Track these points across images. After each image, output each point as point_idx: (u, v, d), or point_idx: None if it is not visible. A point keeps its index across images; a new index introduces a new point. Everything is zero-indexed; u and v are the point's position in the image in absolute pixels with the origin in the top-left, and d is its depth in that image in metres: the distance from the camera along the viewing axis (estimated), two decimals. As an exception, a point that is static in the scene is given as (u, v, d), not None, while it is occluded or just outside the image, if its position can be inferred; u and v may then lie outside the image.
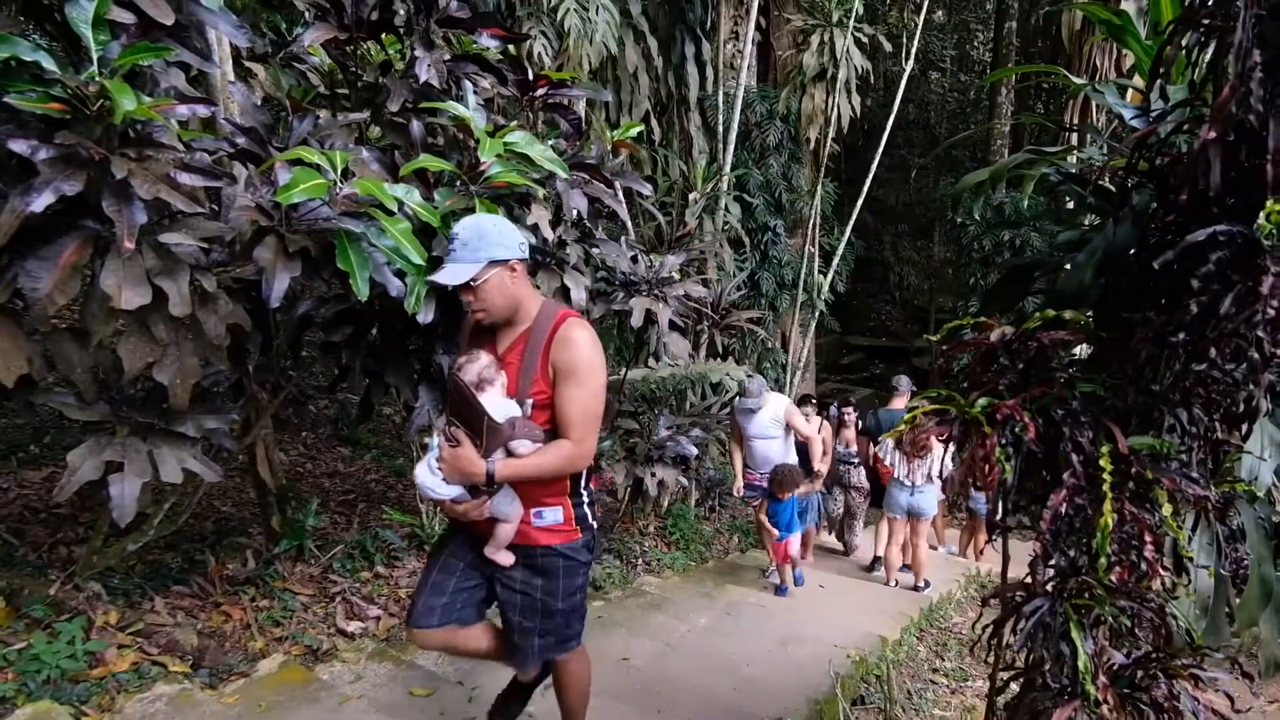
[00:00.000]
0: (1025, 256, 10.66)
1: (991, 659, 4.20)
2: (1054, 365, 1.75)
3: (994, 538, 1.94)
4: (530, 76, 3.76)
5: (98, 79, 2.25)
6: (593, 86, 4.15)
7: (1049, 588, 1.72)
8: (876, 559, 6.97)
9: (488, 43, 3.57)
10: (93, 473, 2.64)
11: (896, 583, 6.59)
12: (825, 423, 6.83)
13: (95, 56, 2.29)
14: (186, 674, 3.16)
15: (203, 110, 2.64)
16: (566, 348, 2.25)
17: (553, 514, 2.38)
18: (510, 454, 2.25)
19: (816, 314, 9.23)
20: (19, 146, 2.19)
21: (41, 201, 2.14)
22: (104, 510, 2.70)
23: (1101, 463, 1.56)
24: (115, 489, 2.62)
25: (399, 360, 3.29)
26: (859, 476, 7.18)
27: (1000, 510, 1.81)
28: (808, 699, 3.76)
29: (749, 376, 5.81)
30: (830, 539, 7.98)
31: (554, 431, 2.30)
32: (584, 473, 2.43)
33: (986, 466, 1.65)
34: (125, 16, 2.45)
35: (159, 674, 3.08)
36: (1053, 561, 1.78)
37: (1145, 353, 1.59)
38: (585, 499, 2.47)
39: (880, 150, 9.29)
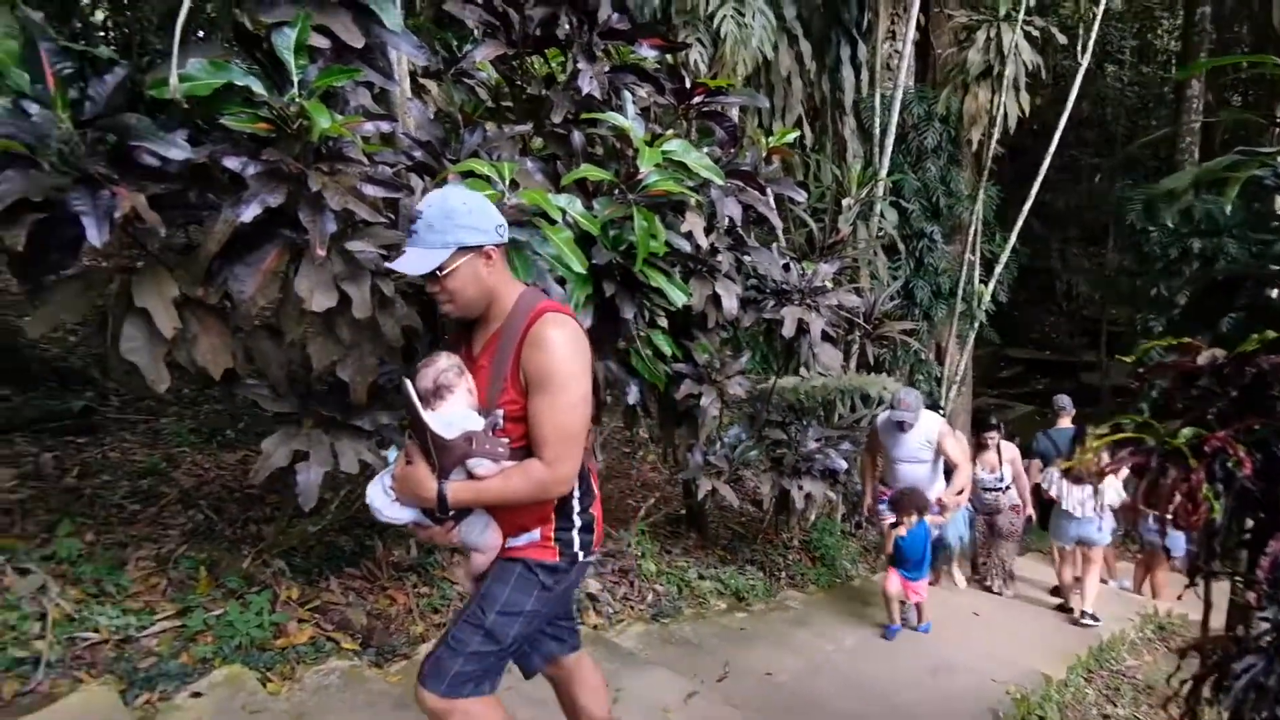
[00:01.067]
0: (1223, 267, 9.66)
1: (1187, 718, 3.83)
2: (1274, 393, 1.56)
3: (1195, 583, 1.75)
4: (687, 85, 3.78)
5: (298, 100, 2.46)
6: (748, 93, 4.13)
7: (1264, 643, 1.53)
8: (1055, 589, 6.86)
9: (646, 53, 3.62)
10: (283, 460, 2.89)
11: (1083, 613, 6.17)
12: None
13: (295, 79, 2.50)
14: (356, 651, 3.38)
15: (385, 126, 2.83)
16: (538, 350, 1.89)
17: (530, 536, 2.06)
18: (471, 475, 1.93)
19: (976, 325, 8.74)
20: (231, 163, 2.43)
21: (250, 212, 2.36)
22: (290, 494, 2.94)
23: (1335, 506, 1.38)
24: (301, 476, 2.85)
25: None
26: (1011, 498, 6.50)
27: (1205, 553, 1.63)
28: (964, 735, 3.57)
29: (904, 389, 5.24)
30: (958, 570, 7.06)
31: (530, 449, 1.95)
32: (578, 490, 2.07)
33: (1190, 505, 1.48)
34: (321, 42, 2.67)
35: (332, 649, 3.32)
36: (1267, 614, 1.58)
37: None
38: (576, 524, 2.08)
39: (1051, 151, 8.68)
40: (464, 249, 1.92)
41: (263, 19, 2.58)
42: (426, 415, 1.88)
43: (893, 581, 5.02)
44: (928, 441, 5.22)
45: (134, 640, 2.99)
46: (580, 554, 2.10)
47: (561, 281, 2.84)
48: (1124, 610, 6.66)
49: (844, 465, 5.36)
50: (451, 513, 1.95)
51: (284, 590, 3.49)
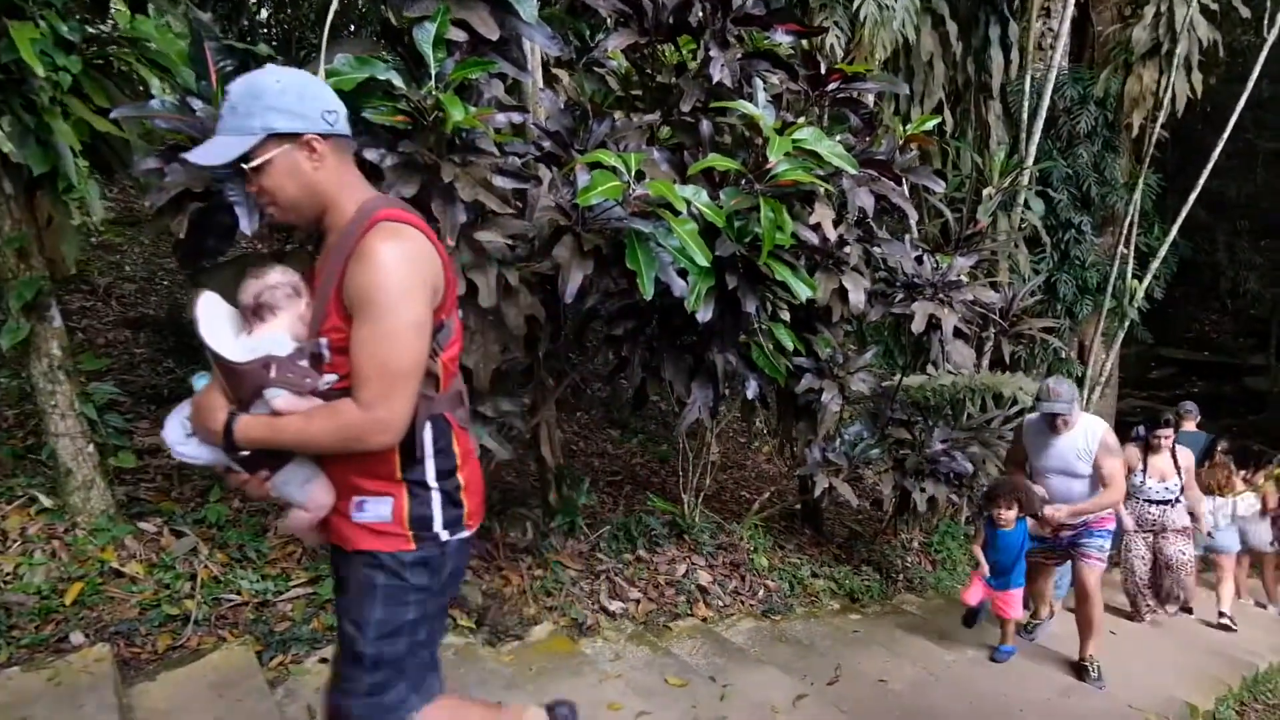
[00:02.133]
0: None
1: None
2: None
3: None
4: (822, 70, 3.63)
5: (434, 93, 2.51)
6: (886, 78, 3.94)
7: None
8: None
9: (781, 38, 3.50)
10: (410, 442, 2.99)
11: (1220, 613, 6.23)
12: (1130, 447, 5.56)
13: (434, 72, 2.55)
14: (471, 629, 3.49)
15: (517, 117, 2.86)
16: (361, 266, 1.53)
17: (377, 507, 1.65)
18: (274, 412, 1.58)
19: (1126, 322, 8.09)
20: (371, 155, 2.51)
21: (385, 203, 2.43)
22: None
23: None
24: (428, 459, 2.94)
25: (675, 356, 3.36)
26: (1181, 515, 5.56)
27: None
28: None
29: (1056, 377, 4.32)
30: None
31: None
32: (431, 449, 1.68)
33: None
34: (458, 35, 2.71)
35: (449, 625, 3.43)
36: None
37: None
38: (434, 495, 1.69)
39: (1225, 136, 7.88)
40: (276, 136, 1.56)
41: (406, 14, 2.64)
42: (207, 334, 1.59)
43: (973, 590, 4.29)
44: (1086, 449, 4.18)
45: (271, 604, 3.19)
46: (445, 533, 1.70)
47: (683, 273, 2.80)
48: (1284, 641, 6.06)
49: (970, 468, 5.07)
50: (245, 453, 1.61)
51: (408, 565, 3.63)
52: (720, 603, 4.42)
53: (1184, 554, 5.56)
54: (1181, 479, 5.52)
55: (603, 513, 4.86)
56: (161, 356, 5.25)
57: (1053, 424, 4.22)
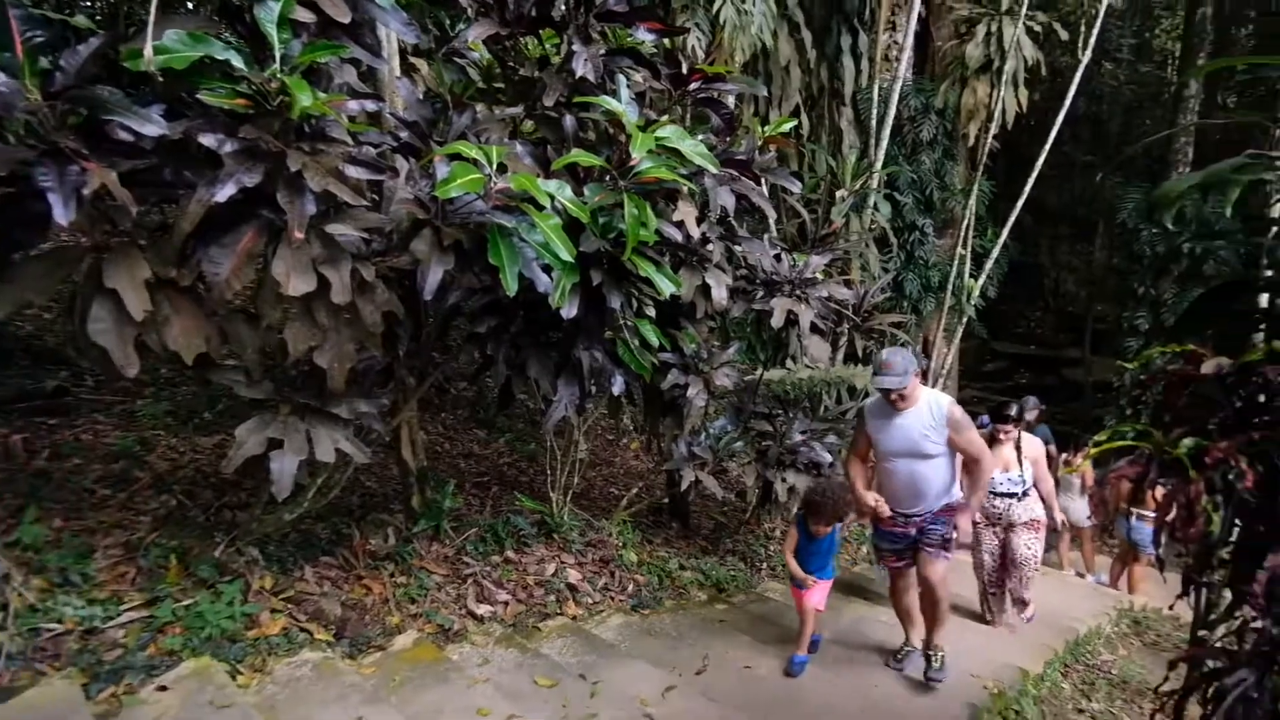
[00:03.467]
0: (1225, 273, 9.69)
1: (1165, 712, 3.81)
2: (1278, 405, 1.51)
3: (1188, 594, 1.70)
4: (684, 70, 3.69)
5: (279, 76, 2.36)
6: (746, 81, 4.04)
7: (1255, 658, 1.49)
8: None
9: (643, 36, 3.52)
10: (257, 447, 2.80)
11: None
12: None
13: (278, 54, 2.40)
14: (330, 642, 3.32)
15: (371, 105, 2.73)
16: None
17: None
18: None
19: (964, 319, 8.73)
20: (208, 140, 2.33)
21: (225, 192, 2.26)
22: (265, 481, 2.86)
23: (1342, 527, 1.33)
24: (275, 464, 2.77)
25: (540, 353, 3.32)
26: (1030, 509, 5.30)
27: (1200, 565, 1.58)
28: (943, 733, 3.54)
29: (889, 349, 3.81)
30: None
31: None
32: None
33: (1188, 516, 1.44)
34: (306, 16, 2.56)
35: (305, 640, 3.25)
36: (1262, 627, 1.54)
37: None
38: None
39: (1047, 147, 8.64)
40: None
41: (245, -10, 2.47)
42: None
43: (818, 594, 4.13)
44: (934, 425, 3.78)
45: (99, 631, 2.91)
46: None
47: (548, 269, 2.76)
48: (1100, 605, 6.68)
49: (829, 458, 5.31)
50: None
51: (257, 579, 3.41)
52: (590, 600, 4.41)
53: (1029, 549, 5.29)
54: (1026, 470, 5.30)
55: (469, 515, 4.75)
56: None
57: (889, 399, 3.78)
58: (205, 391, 5.33)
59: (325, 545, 3.91)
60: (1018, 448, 5.34)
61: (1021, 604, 5.54)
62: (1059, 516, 5.71)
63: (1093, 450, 1.60)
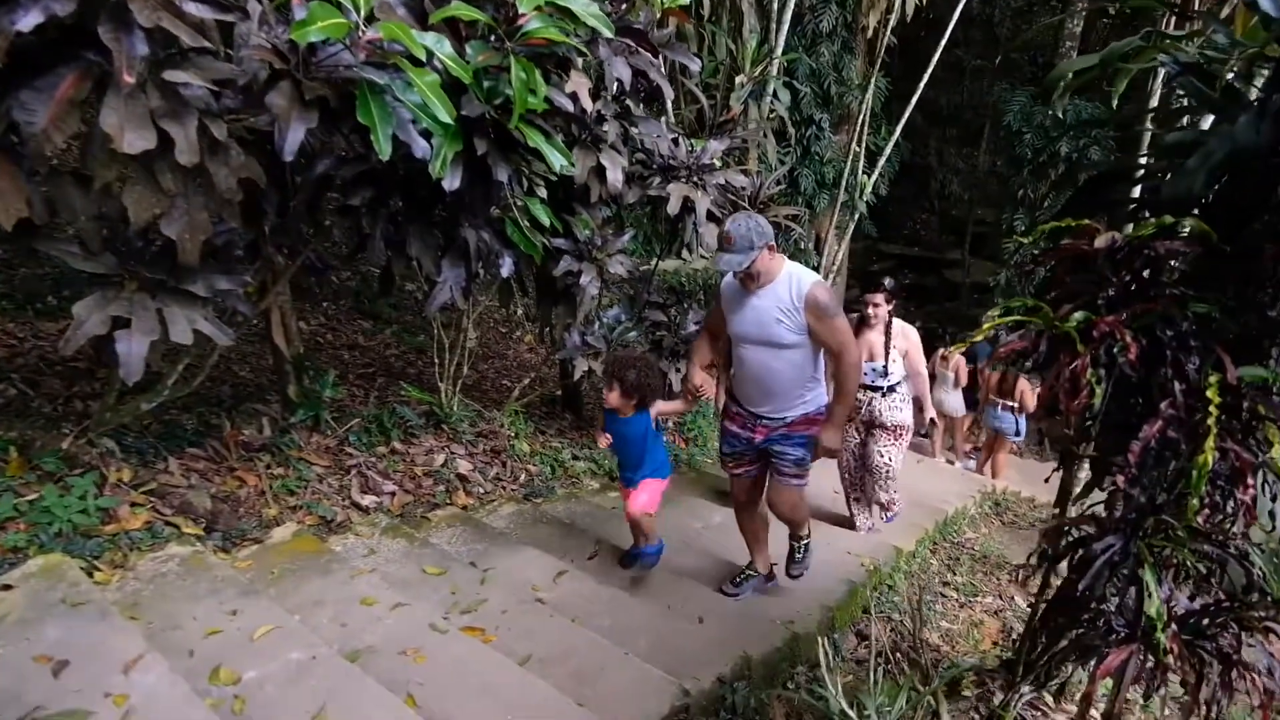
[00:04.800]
0: (1090, 168, 10.14)
1: (1026, 587, 4.08)
2: (1163, 280, 1.53)
3: (1061, 467, 1.77)
4: (577, -76, 3.38)
5: (92, -118, 1.99)
6: (644, -57, 3.76)
7: (1123, 525, 1.56)
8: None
9: (532, -120, 3.18)
10: (99, 327, 2.52)
11: None
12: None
13: None
14: (199, 536, 3.13)
15: (212, -69, 2.36)
16: None
17: None
18: None
19: (856, 216, 8.87)
20: (7, -42, 1.95)
21: (29, 21, 1.92)
22: (116, 367, 2.59)
23: (1209, 393, 1.37)
24: (122, 345, 2.51)
25: (422, 231, 3.09)
26: (894, 409, 4.64)
27: (1078, 437, 1.62)
28: (820, 605, 3.72)
29: (732, 218, 3.04)
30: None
31: None
32: None
33: (1071, 388, 1.45)
34: None
35: (172, 534, 3.05)
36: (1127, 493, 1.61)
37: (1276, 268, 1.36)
38: None
39: (941, 47, 8.66)
40: None
41: None
42: None
43: (640, 498, 3.54)
44: (791, 309, 3.05)
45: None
46: None
47: (427, 135, 2.53)
48: (967, 489, 7.18)
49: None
50: None
51: (114, 473, 3.15)
52: (481, 490, 4.35)
53: (883, 458, 4.69)
54: (895, 361, 4.61)
55: (353, 406, 4.54)
56: None
57: (740, 282, 3.14)
58: (49, 274, 4.83)
59: (192, 437, 3.66)
60: (887, 333, 4.55)
61: (881, 506, 5.07)
62: (930, 414, 5.11)
63: (986, 326, 1.59)
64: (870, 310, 4.52)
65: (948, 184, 18.90)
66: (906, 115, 8.58)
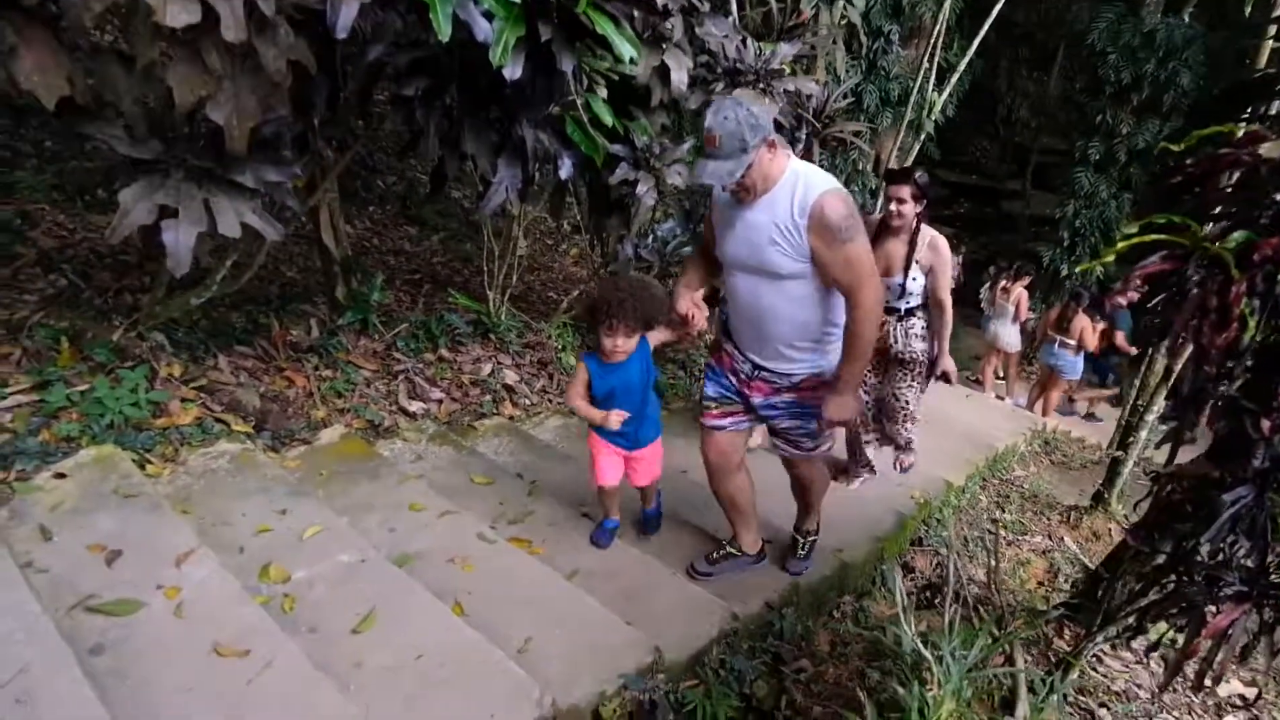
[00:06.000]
0: (1179, 102, 9.46)
1: (1078, 529, 3.91)
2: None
3: (1205, 412, 1.55)
4: None
5: None
6: None
7: (1258, 476, 1.40)
8: None
9: None
10: (146, 215, 2.43)
11: None
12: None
13: None
14: (249, 434, 3.11)
15: None
16: None
17: None
18: None
19: (922, 138, 8.40)
20: None
21: None
22: (163, 259, 2.51)
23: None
24: (169, 236, 2.42)
25: (478, 126, 2.92)
26: (913, 337, 3.66)
27: (1219, 379, 1.42)
28: (869, 535, 3.63)
29: (714, 105, 2.19)
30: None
31: None
32: None
33: (1219, 322, 1.27)
34: None
35: (222, 431, 3.03)
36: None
37: None
38: None
39: (1028, -50, 8.00)
40: None
41: None
42: None
43: (602, 465, 2.89)
44: (788, 226, 2.24)
45: (-18, 414, 2.63)
46: None
47: (489, 17, 2.34)
48: (1017, 426, 6.98)
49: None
50: None
51: (164, 367, 3.13)
52: (527, 401, 4.29)
53: (899, 400, 3.88)
54: (915, 278, 3.53)
55: (400, 311, 4.47)
56: None
57: (733, 195, 2.33)
58: (98, 165, 4.76)
59: (241, 335, 3.62)
60: (912, 241, 3.46)
61: (898, 449, 4.28)
62: (947, 366, 3.76)
63: (1121, 244, 1.39)
64: (893, 209, 3.37)
65: (1015, 108, 17.92)
66: (985, 29, 7.99)
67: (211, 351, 3.39)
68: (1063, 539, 4.68)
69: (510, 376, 4.29)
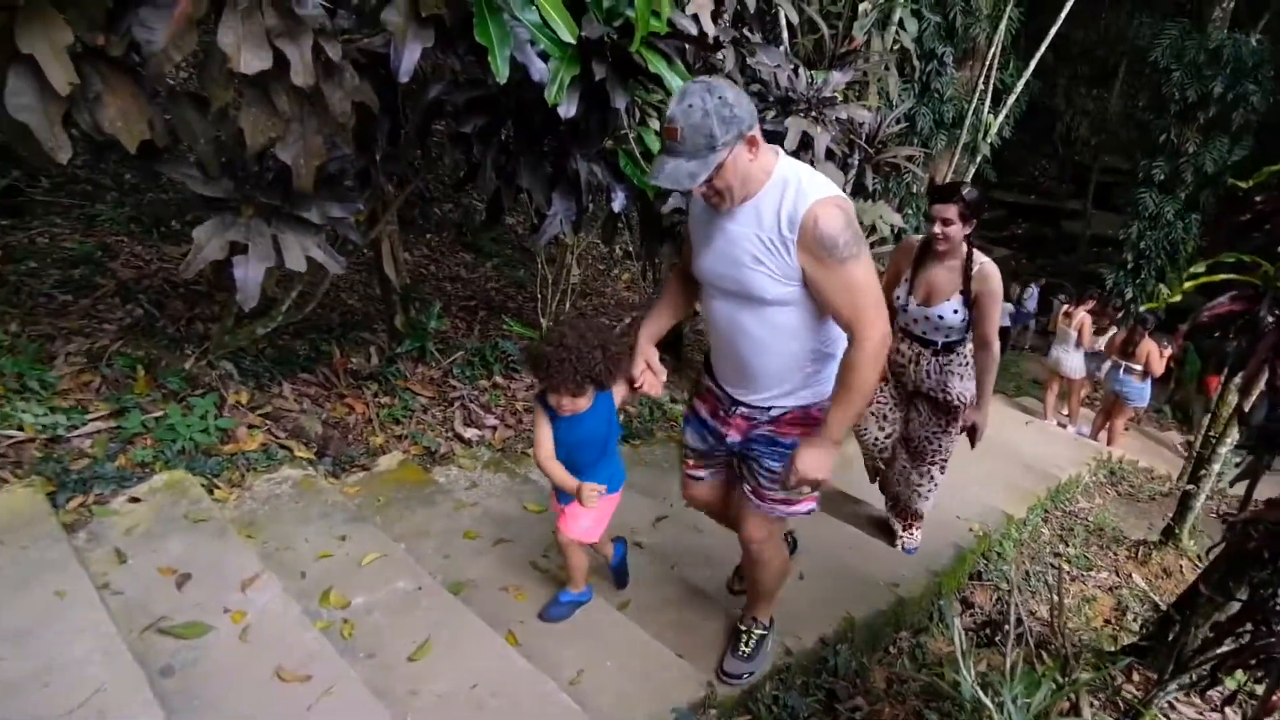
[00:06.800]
0: (1248, 119, 9.16)
1: (1147, 565, 3.77)
2: None
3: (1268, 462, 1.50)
4: None
5: None
6: None
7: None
8: None
9: None
10: (218, 252, 2.54)
11: None
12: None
13: None
14: (311, 460, 3.20)
15: None
16: None
17: None
18: None
19: (978, 160, 8.28)
20: None
21: (150, -69, 1.86)
22: (233, 292, 2.62)
23: None
24: (240, 271, 2.52)
25: (533, 161, 2.98)
26: (950, 374, 3.20)
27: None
28: (926, 569, 3.55)
29: (681, 92, 1.76)
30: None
31: None
32: None
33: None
34: None
35: (285, 457, 3.13)
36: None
37: None
38: None
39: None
40: None
41: None
42: None
43: (580, 521, 2.47)
44: (772, 240, 1.87)
45: (63, 440, 2.76)
46: None
47: (544, 58, 2.40)
48: (1081, 455, 6.77)
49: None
50: None
51: (232, 394, 3.24)
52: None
53: (930, 444, 3.38)
54: (959, 309, 3.08)
55: (456, 338, 4.56)
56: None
57: (707, 201, 1.95)
58: (172, 198, 4.98)
59: (304, 362, 3.73)
60: (966, 270, 3.03)
61: (905, 515, 3.69)
62: (983, 416, 3.24)
63: (1188, 284, 1.35)
64: (938, 230, 2.99)
65: (1075, 127, 17.53)
66: (1042, 49, 7.87)
67: (276, 379, 3.50)
68: (1130, 575, 4.51)
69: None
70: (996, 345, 3.10)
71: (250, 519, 2.78)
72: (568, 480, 2.30)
